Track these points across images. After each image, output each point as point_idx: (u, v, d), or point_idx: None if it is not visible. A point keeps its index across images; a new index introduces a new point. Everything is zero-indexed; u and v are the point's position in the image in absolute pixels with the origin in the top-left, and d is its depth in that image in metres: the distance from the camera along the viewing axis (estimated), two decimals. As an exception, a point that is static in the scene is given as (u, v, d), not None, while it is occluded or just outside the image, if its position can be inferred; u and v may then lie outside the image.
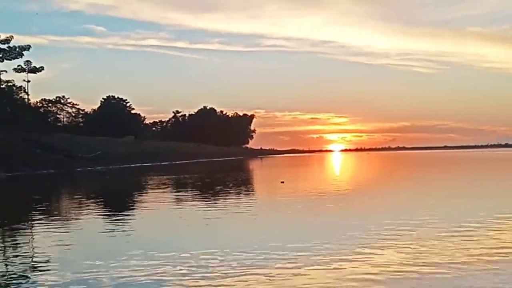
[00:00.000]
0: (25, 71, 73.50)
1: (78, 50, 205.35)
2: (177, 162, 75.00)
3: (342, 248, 9.03)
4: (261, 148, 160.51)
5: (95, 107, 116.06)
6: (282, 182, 26.57)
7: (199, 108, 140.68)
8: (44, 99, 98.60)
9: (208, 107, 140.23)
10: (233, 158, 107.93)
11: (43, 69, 74.09)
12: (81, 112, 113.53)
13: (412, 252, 8.60)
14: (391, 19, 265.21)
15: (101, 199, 21.68)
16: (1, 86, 67.81)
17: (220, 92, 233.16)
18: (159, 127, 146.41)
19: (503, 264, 7.67)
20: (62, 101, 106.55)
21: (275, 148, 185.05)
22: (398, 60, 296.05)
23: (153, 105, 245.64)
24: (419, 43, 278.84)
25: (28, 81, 74.69)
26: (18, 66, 72.14)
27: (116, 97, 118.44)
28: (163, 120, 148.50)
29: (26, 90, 74.68)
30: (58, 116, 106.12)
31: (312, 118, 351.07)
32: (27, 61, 72.58)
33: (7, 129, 55.10)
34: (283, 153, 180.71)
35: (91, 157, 60.00)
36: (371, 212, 14.40)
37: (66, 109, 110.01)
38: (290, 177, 33.11)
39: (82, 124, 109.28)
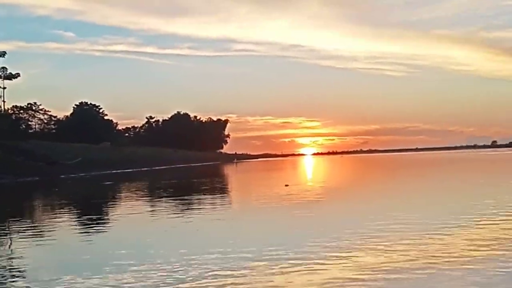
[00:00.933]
0: (1, 78, 72.89)
1: (46, 56, 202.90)
2: (157, 168, 75.32)
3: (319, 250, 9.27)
4: (235, 153, 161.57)
5: (66, 113, 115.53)
6: (287, 186, 27.25)
7: (173, 114, 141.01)
8: (16, 106, 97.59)
9: (182, 113, 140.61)
10: (210, 163, 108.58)
11: (19, 75, 73.79)
12: (53, 118, 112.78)
13: (385, 255, 8.67)
14: (360, 22, 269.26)
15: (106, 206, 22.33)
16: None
17: (191, 97, 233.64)
18: (131, 133, 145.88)
19: (475, 265, 7.77)
20: (33, 108, 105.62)
21: (248, 153, 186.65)
22: (368, 63, 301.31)
23: (124, 110, 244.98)
24: (388, 46, 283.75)
25: (4, 88, 74.09)
26: (-7, 72, 71.60)
27: (88, 103, 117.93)
28: (135, 125, 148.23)
29: (2, 97, 74.04)
30: (29, 123, 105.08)
31: (283, 122, 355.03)
32: (3, 67, 72.15)
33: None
34: (256, 158, 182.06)
35: (72, 164, 59.97)
36: (363, 213, 15.17)
37: (38, 116, 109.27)
38: (287, 181, 34.06)
39: (54, 131, 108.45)
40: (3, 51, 70.80)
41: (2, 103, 75.59)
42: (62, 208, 20.91)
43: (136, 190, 30.65)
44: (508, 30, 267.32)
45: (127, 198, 25.33)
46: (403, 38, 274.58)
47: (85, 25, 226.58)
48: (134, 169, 68.74)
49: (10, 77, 73.55)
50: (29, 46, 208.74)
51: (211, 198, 22.16)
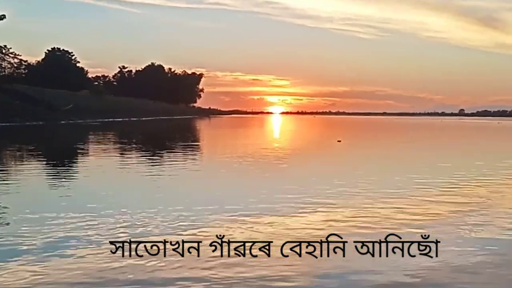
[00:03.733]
0: (-16, 19, 73.25)
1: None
2: (144, 119, 78.20)
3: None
4: (210, 108, 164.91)
5: (32, 58, 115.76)
6: (339, 141, 28.92)
7: (147, 64, 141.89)
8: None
9: (156, 64, 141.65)
10: (189, 116, 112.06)
11: (5, 17, 73.95)
12: (23, 63, 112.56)
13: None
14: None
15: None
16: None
17: (160, 49, 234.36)
18: (101, 82, 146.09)
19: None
20: (3, 51, 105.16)
21: (219, 108, 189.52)
22: (341, 24, 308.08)
23: (91, 59, 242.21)
24: (362, 9, 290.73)
25: (-9, 29, 74.48)
26: (-24, 13, 71.90)
27: (61, 49, 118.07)
28: (105, 74, 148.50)
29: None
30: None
31: (253, 79, 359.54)
32: (-14, 8, 72.29)
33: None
34: (227, 114, 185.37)
35: (66, 110, 62.29)
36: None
37: (8, 60, 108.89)
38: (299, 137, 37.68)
39: (24, 76, 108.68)
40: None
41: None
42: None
43: (157, 139, 34.09)
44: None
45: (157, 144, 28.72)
46: (379, 1, 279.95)
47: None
48: (124, 118, 71.51)
49: (-4, 18, 73.95)
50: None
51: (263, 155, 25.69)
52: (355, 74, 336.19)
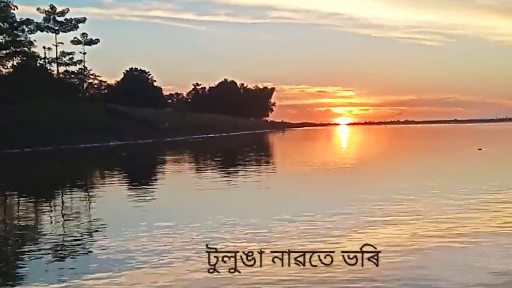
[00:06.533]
0: (81, 43, 78.29)
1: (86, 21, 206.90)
2: (232, 134, 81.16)
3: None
4: (282, 121, 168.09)
5: (109, 78, 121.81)
6: (480, 149, 28.72)
7: (220, 81, 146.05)
8: (67, 70, 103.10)
9: (229, 80, 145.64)
10: (267, 130, 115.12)
11: (98, 41, 78.94)
12: (103, 84, 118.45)
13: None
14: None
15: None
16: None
17: (228, 64, 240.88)
18: (175, 99, 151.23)
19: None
20: (84, 73, 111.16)
21: (289, 121, 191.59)
22: (406, 33, 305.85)
23: (162, 77, 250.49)
24: (427, 16, 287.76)
25: (85, 53, 79.64)
26: (75, 38, 77.09)
27: (138, 69, 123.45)
28: (178, 92, 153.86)
29: (84, 63, 79.76)
30: (81, 88, 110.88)
31: (319, 91, 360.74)
32: (84, 33, 77.43)
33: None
34: (298, 126, 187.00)
35: (164, 128, 65.66)
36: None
37: (89, 81, 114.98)
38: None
39: (105, 96, 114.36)
40: (83, 17, 76.10)
41: (84, 68, 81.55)
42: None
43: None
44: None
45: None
46: (443, 7, 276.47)
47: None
48: (215, 134, 74.61)
49: (90, 42, 79.02)
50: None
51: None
52: (422, 82, 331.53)
